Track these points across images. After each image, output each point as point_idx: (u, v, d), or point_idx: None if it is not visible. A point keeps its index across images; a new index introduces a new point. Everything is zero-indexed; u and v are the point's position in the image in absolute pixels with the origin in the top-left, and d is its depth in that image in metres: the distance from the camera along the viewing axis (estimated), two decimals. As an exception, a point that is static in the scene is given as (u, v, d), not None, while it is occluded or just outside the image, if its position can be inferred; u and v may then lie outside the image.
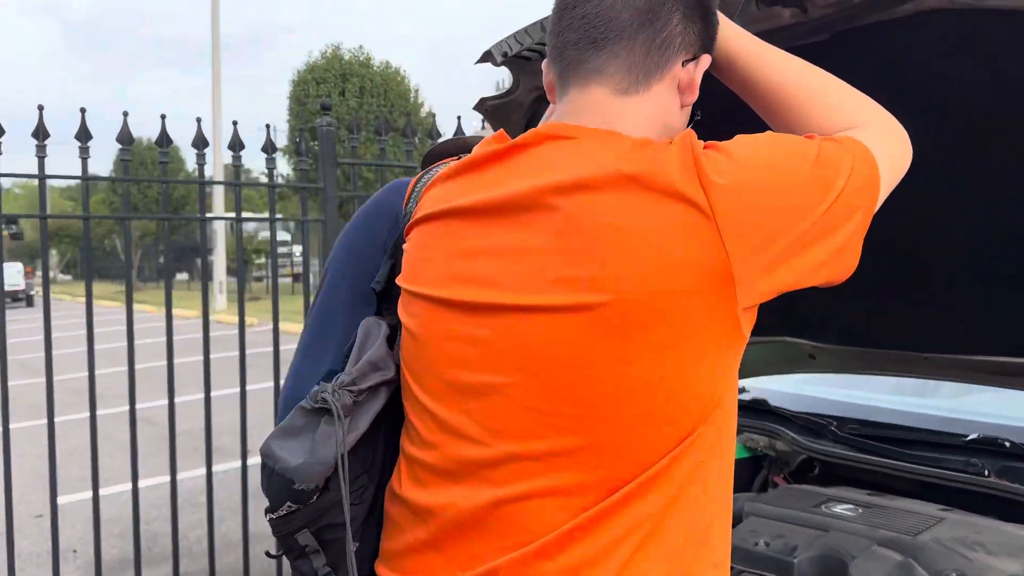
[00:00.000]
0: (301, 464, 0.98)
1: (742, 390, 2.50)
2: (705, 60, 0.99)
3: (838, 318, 2.06)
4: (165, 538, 4.13)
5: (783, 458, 2.15)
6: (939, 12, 1.20)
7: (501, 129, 1.03)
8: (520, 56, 1.64)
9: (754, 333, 2.27)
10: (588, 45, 0.96)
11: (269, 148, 3.11)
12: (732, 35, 1.04)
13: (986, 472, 1.77)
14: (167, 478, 3.04)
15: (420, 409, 0.98)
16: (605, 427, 0.86)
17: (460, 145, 2.44)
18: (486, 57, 1.65)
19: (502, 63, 1.66)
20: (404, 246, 1.05)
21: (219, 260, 22.22)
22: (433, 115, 3.59)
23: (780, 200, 0.86)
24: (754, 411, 2.28)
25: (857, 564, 1.51)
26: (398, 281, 1.04)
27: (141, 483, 2.94)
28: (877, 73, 1.24)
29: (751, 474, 2.15)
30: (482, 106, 1.91)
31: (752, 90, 1.05)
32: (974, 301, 1.76)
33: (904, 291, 1.86)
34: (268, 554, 1.18)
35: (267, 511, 1.04)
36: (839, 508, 1.76)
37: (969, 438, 1.90)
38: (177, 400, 2.96)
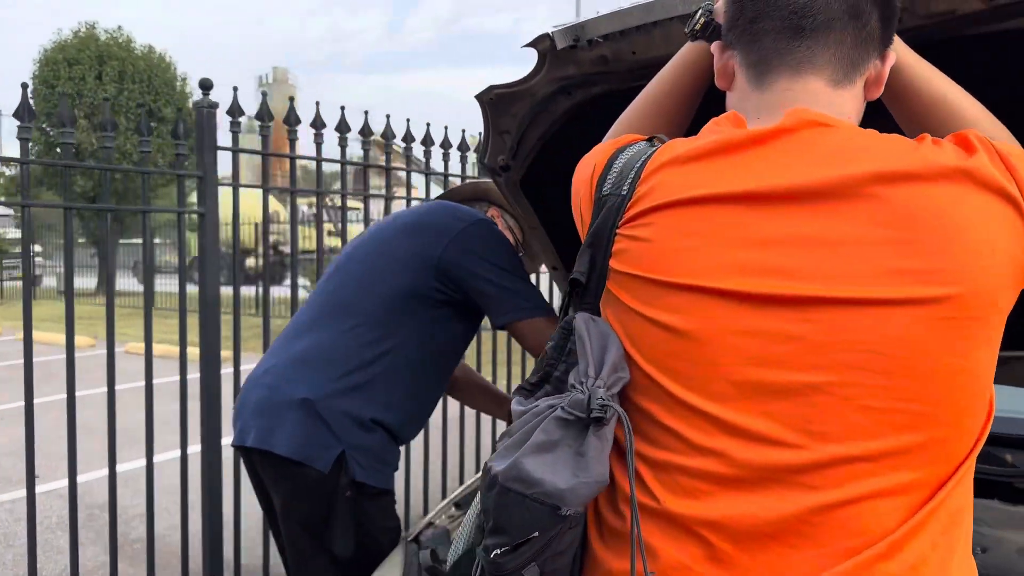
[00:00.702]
0: (575, 484, 0.86)
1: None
2: (892, 57, 1.00)
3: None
4: None
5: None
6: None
7: (734, 112, 0.97)
8: (573, 46, 1.56)
9: None
10: (794, 34, 0.94)
11: (145, 130, 2.73)
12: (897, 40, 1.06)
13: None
14: None
15: (684, 412, 0.89)
16: (941, 423, 0.83)
17: (478, 189, 2.29)
18: (542, 40, 1.56)
19: (561, 49, 1.57)
20: (630, 233, 0.95)
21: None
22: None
23: None
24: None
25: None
26: (639, 272, 0.93)
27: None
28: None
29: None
30: (487, 94, 1.80)
31: (904, 97, 1.07)
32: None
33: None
34: None
35: (493, 546, 0.90)
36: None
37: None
38: None
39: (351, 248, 2.05)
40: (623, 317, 0.95)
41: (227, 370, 3.23)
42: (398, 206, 3.93)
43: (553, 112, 1.79)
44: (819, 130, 0.91)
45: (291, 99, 3.06)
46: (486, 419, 4.10)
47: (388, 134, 3.44)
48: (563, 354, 0.97)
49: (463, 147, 3.74)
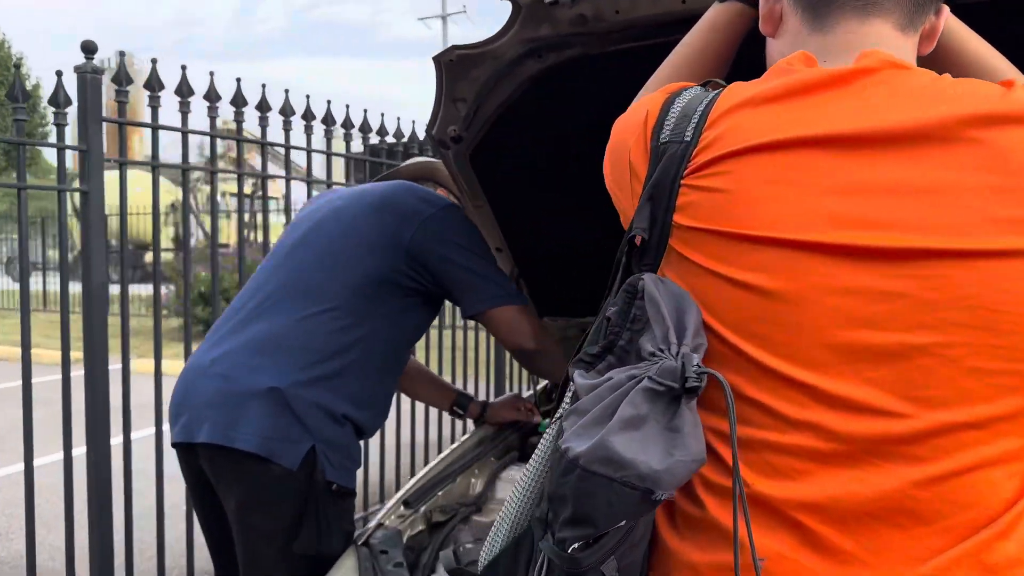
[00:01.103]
0: (671, 464, 0.74)
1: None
2: (945, 12, 0.96)
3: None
4: None
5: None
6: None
7: (803, 51, 0.89)
8: (554, 1, 1.45)
9: None
10: None
11: (20, 95, 2.39)
12: None
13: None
14: None
15: (773, 382, 0.80)
16: None
17: (424, 169, 2.15)
18: None
19: (540, 1, 1.45)
20: (699, 184, 0.85)
21: None
22: (39, 85, 3.01)
23: None
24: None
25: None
26: (714, 227, 0.83)
27: None
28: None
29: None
30: (448, 55, 1.65)
31: (943, 57, 1.04)
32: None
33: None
34: None
35: (572, 539, 0.78)
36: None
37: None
38: None
39: (307, 226, 1.87)
40: (694, 279, 0.85)
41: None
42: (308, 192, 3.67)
43: (518, 77, 1.67)
44: (901, 72, 0.85)
45: (153, 63, 2.75)
46: (432, 413, 3.98)
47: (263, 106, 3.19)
48: (627, 320, 0.85)
49: (347, 124, 3.51)
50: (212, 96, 2.86)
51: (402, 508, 1.89)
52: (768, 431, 0.81)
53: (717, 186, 0.83)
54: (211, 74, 2.98)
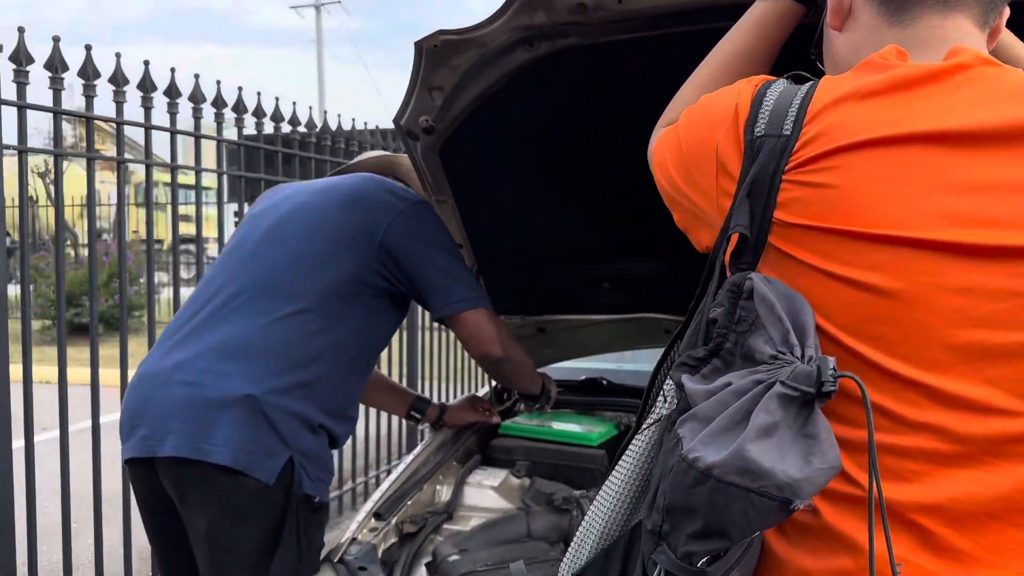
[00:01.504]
0: (810, 473, 0.71)
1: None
2: (1006, 13, 0.98)
3: (685, 294, 2.17)
4: None
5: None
6: None
7: (894, 45, 0.87)
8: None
9: (614, 310, 2.29)
10: None
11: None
12: None
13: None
14: None
15: (891, 384, 0.78)
16: None
17: (385, 163, 2.05)
18: None
19: None
20: (804, 179, 0.81)
21: None
22: None
23: None
24: (614, 391, 2.29)
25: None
26: (824, 224, 0.80)
27: None
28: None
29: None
30: (432, 40, 1.56)
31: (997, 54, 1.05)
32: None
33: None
34: None
35: (702, 553, 0.73)
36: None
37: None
38: None
39: (269, 223, 1.73)
40: (800, 277, 0.82)
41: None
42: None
43: (502, 67, 1.60)
44: (995, 68, 0.84)
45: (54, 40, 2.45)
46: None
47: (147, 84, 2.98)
48: (733, 322, 0.81)
49: (239, 108, 3.30)
50: (56, 66, 2.46)
51: (373, 521, 1.79)
52: (885, 433, 0.79)
53: (826, 182, 0.80)
54: (55, 39, 2.60)
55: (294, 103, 3.75)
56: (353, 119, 4.42)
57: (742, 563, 0.78)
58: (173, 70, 2.96)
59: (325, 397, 1.63)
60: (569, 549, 0.97)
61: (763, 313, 0.79)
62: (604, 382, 2.32)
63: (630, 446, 0.94)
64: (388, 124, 4.61)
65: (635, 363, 2.58)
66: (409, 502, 1.87)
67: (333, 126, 4.12)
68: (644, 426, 0.92)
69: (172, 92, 2.88)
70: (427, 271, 1.71)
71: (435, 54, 1.59)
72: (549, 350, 2.37)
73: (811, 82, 0.87)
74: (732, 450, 0.71)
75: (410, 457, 2.02)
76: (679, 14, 1.42)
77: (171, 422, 1.53)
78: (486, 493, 1.97)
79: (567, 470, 2.03)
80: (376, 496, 1.84)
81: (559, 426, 2.12)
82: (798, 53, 1.13)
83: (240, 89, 3.30)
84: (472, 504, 1.94)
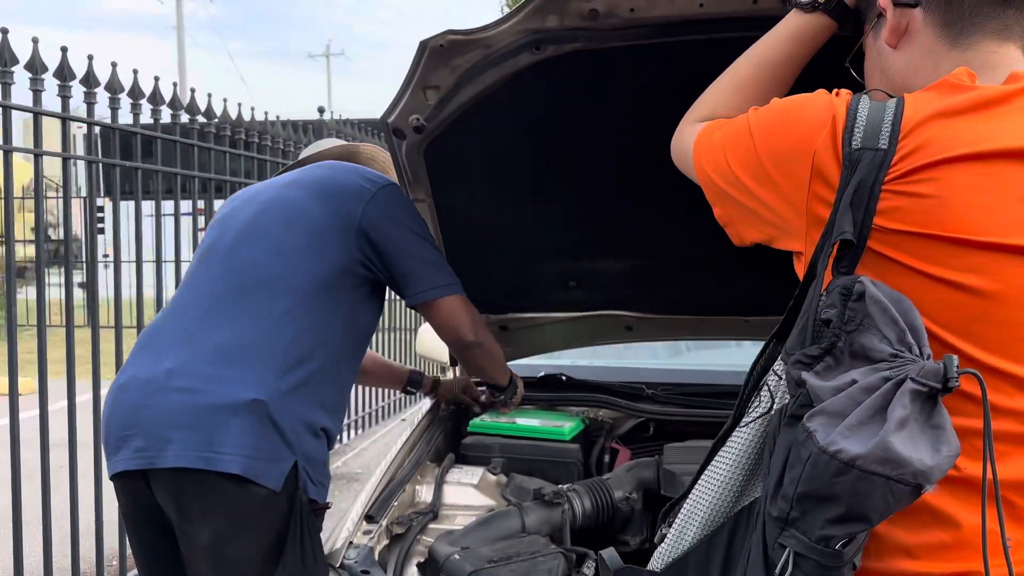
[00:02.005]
0: (940, 461, 0.79)
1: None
2: None
3: (654, 291, 2.26)
4: None
5: (617, 425, 2.27)
6: None
7: (965, 68, 0.96)
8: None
9: (577, 308, 2.37)
10: (1000, 3, 0.99)
11: None
12: None
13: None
14: None
15: (986, 376, 0.86)
16: None
17: (346, 152, 2.03)
18: None
19: None
20: (905, 190, 0.89)
21: None
22: None
23: None
24: (575, 386, 2.34)
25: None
26: (925, 230, 0.87)
27: None
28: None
29: (587, 446, 2.20)
30: (439, 39, 1.56)
31: None
32: (788, 267, 2.14)
33: (722, 261, 2.14)
34: None
35: (840, 536, 0.80)
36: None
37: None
38: None
39: (242, 223, 1.69)
40: (899, 279, 0.89)
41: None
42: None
43: (504, 69, 1.62)
44: None
45: None
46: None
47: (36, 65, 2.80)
48: (843, 322, 0.88)
49: (143, 95, 3.12)
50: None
51: (366, 523, 1.76)
52: (977, 419, 0.87)
53: (926, 192, 0.88)
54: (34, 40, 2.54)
55: (192, 89, 3.59)
56: (266, 112, 4.28)
57: (862, 543, 0.85)
58: (36, 40, 2.72)
59: (321, 396, 1.61)
60: (668, 536, 1.01)
61: (876, 314, 0.86)
62: (564, 378, 2.37)
63: (732, 438, 0.99)
64: (276, 116, 4.48)
65: (589, 359, 2.65)
66: (395, 503, 1.85)
67: (235, 115, 3.97)
68: (748, 420, 0.98)
69: (35, 68, 2.64)
70: (405, 256, 1.73)
71: (438, 53, 1.59)
72: (510, 347, 2.40)
73: (895, 99, 0.94)
74: (876, 442, 0.78)
75: (387, 458, 2.00)
76: (686, 23, 1.48)
77: (171, 431, 1.46)
78: (466, 491, 1.98)
79: (543, 464, 2.07)
80: (363, 498, 1.82)
81: (530, 422, 2.16)
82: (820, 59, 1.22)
83: (114, 64, 3.06)
84: (454, 503, 1.95)
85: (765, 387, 0.97)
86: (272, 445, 1.48)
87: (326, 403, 1.62)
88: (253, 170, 4.05)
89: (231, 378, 1.49)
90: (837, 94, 0.98)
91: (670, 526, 1.03)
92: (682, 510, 1.01)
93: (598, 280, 2.20)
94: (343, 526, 1.73)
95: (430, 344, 2.63)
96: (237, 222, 1.73)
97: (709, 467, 1.01)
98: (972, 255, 0.88)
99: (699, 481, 1.01)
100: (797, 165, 0.96)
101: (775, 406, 0.95)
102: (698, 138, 1.12)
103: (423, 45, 1.58)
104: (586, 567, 1.69)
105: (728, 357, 2.81)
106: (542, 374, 2.42)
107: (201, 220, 3.77)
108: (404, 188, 1.92)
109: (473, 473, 2.03)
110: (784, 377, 0.93)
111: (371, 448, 5.47)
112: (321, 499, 1.59)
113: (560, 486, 1.91)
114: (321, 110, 5.26)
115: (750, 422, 0.97)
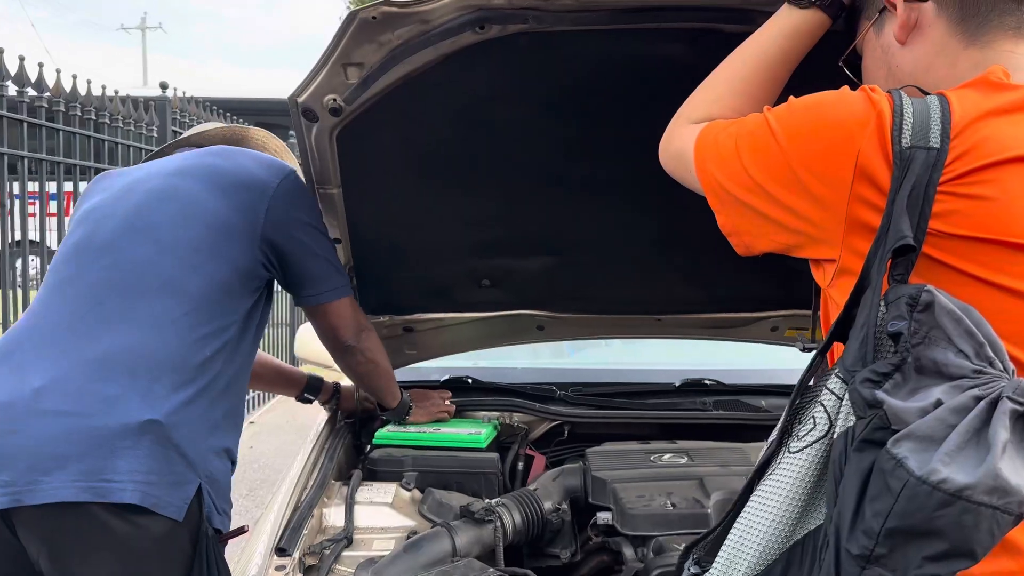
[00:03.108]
0: None
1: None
2: None
3: (569, 290, 2.17)
4: None
5: (531, 430, 2.16)
6: None
7: (999, 65, 0.91)
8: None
9: (489, 308, 2.27)
10: (1017, 4, 0.96)
11: None
12: None
13: (710, 408, 2.18)
14: None
15: None
16: None
17: (230, 136, 1.80)
18: None
19: None
20: (961, 191, 0.83)
21: None
22: None
23: None
24: (483, 389, 2.22)
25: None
26: (986, 235, 0.82)
27: None
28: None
29: (500, 454, 2.08)
30: (372, 11, 1.37)
31: None
32: (703, 267, 2.11)
33: (640, 260, 2.09)
34: None
35: (946, 574, 0.72)
36: (668, 458, 1.92)
37: (680, 383, 2.28)
38: None
39: (125, 211, 1.44)
40: (959, 288, 0.83)
41: None
42: None
43: (440, 49, 1.46)
44: None
45: None
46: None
47: None
48: (909, 335, 0.81)
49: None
50: None
51: (277, 557, 1.56)
52: None
53: (984, 194, 0.83)
54: None
55: (40, 64, 3.16)
56: (104, 86, 3.83)
57: None
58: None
59: (221, 411, 1.44)
60: (713, 573, 0.91)
61: (948, 326, 0.79)
62: (470, 380, 2.24)
63: (782, 466, 0.90)
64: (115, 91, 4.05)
65: (490, 360, 2.53)
66: (305, 531, 1.66)
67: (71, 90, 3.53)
68: (801, 445, 0.89)
69: None
70: (308, 256, 1.62)
71: (367, 26, 1.41)
72: (412, 351, 2.24)
73: (936, 97, 0.89)
74: (984, 470, 0.71)
75: (288, 482, 1.80)
76: (643, 10, 1.39)
77: (47, 461, 1.22)
78: (380, 511, 1.80)
79: (459, 476, 1.93)
80: (270, 529, 1.61)
81: (441, 431, 2.01)
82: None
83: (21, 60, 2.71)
84: (369, 525, 1.77)
85: (819, 408, 0.88)
86: (172, 468, 1.29)
87: (226, 417, 1.45)
88: (89, 150, 3.62)
89: (119, 396, 1.28)
90: (874, 91, 0.91)
91: (700, 565, 0.93)
92: (727, 547, 0.91)
93: (513, 279, 2.08)
94: (252, 562, 1.52)
95: (314, 347, 2.42)
96: (117, 213, 1.48)
97: (757, 498, 0.92)
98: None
99: (744, 514, 0.92)
100: (836, 167, 0.88)
101: (837, 430, 0.86)
102: (699, 141, 1.03)
103: (351, 15, 1.39)
104: (527, 589, 1.57)
105: (617, 355, 2.78)
106: (446, 377, 2.28)
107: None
108: (309, 176, 1.72)
109: (385, 490, 1.86)
110: (846, 397, 0.84)
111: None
112: (227, 529, 1.39)
113: (487, 501, 1.78)
114: (164, 86, 4.80)
115: (804, 447, 0.88)
